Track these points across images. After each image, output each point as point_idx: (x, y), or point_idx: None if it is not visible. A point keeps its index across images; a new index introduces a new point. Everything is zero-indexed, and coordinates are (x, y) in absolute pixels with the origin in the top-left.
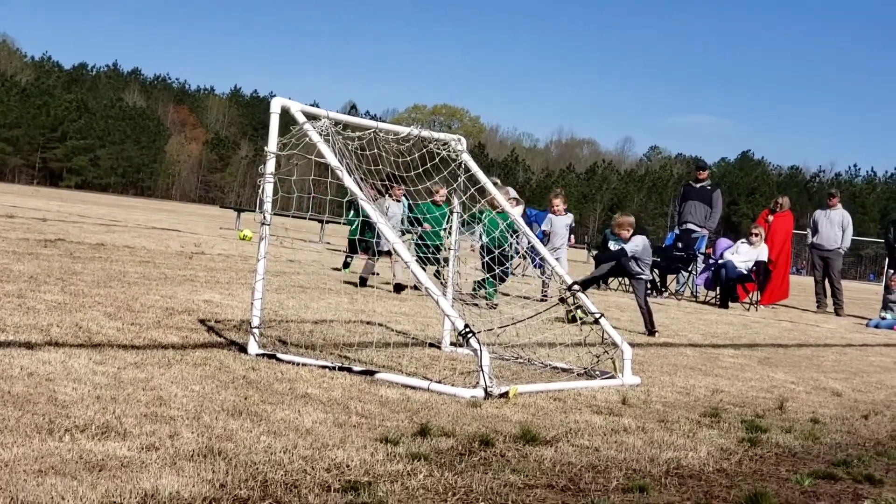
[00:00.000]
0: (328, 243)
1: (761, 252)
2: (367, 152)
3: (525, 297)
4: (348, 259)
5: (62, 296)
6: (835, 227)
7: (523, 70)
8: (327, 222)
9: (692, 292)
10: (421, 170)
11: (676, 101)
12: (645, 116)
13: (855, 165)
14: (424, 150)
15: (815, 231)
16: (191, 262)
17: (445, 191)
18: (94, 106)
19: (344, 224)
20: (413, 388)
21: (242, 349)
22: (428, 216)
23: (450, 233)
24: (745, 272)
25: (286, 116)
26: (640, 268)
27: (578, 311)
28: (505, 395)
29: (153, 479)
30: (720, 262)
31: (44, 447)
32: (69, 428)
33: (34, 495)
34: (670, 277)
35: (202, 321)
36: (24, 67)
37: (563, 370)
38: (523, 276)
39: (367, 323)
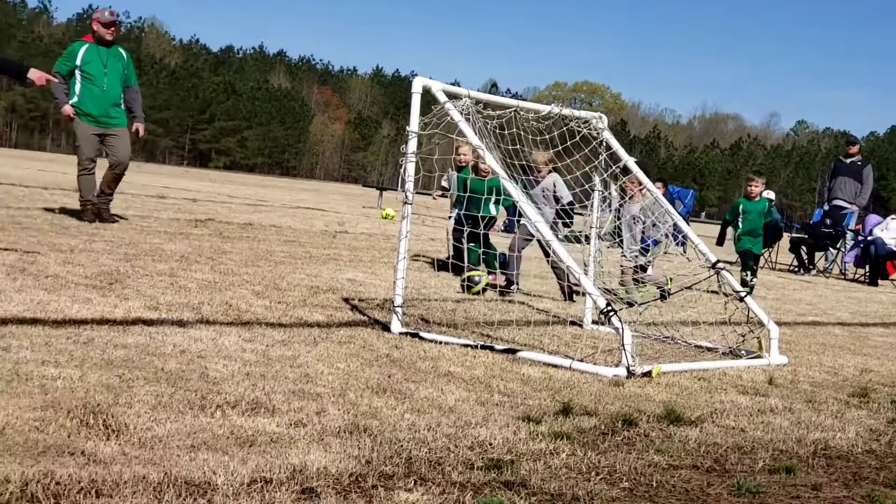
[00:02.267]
0: None
1: None
2: (507, 132)
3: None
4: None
5: (212, 274)
6: None
7: (666, 45)
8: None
9: (840, 270)
10: (560, 148)
11: (824, 74)
12: (792, 90)
13: None
14: (564, 129)
15: None
16: (334, 241)
17: (468, 149)
18: (241, 88)
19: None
20: (555, 366)
21: (386, 327)
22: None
23: (589, 210)
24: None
25: (427, 96)
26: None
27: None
28: (648, 374)
29: (301, 455)
30: (869, 238)
31: (196, 423)
32: (220, 404)
33: (187, 470)
34: (818, 255)
35: (346, 300)
36: (172, 51)
37: (708, 349)
38: (665, 253)
39: (509, 301)
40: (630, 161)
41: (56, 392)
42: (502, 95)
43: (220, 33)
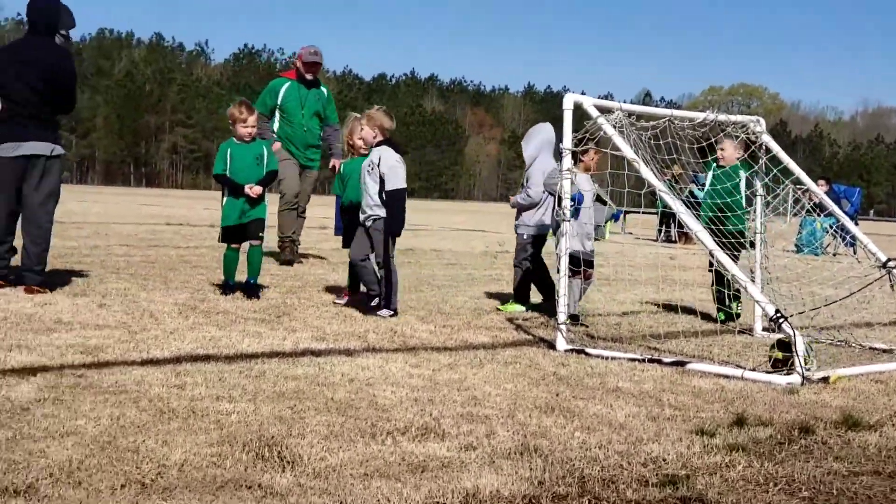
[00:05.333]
0: (630, 233)
1: None
2: (662, 141)
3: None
4: None
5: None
6: None
7: (823, 40)
8: (627, 213)
9: None
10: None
11: None
12: None
13: None
14: (722, 135)
15: None
16: (495, 261)
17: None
18: (395, 114)
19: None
20: (726, 376)
21: (551, 346)
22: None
23: (753, 214)
24: None
25: (579, 111)
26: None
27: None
28: (825, 380)
29: (473, 479)
30: None
31: (367, 451)
32: (390, 431)
33: (361, 499)
34: None
35: (510, 320)
36: (327, 82)
37: (884, 351)
38: (834, 255)
39: (675, 312)
40: (791, 163)
41: (231, 426)
42: (656, 105)
43: (372, 62)
